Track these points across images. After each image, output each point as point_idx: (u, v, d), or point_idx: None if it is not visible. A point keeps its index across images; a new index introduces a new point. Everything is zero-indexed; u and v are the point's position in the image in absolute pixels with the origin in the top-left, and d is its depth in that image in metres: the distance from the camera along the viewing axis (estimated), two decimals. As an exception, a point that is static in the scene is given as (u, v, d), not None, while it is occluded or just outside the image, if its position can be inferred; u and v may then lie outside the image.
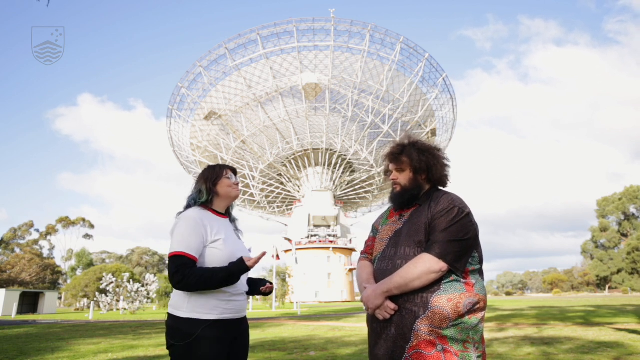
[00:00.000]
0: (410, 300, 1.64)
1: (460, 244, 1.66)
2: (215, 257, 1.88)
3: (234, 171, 2.16)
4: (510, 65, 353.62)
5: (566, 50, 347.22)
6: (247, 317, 2.11)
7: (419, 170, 1.87)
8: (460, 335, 1.59)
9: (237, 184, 2.09)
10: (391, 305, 1.66)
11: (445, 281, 1.65)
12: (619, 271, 70.91)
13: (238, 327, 1.97)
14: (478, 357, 1.62)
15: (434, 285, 1.64)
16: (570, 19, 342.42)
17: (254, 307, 36.73)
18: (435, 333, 1.58)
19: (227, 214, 2.13)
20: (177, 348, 1.81)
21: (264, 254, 1.79)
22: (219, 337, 1.83)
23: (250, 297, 2.09)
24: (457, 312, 1.60)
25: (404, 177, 1.87)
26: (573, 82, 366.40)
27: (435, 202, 1.77)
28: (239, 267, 1.83)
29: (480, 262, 1.77)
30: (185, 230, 1.85)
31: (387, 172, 2.00)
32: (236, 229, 2.15)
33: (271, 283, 2.12)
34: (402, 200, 1.86)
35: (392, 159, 1.90)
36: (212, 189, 2.02)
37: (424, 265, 1.62)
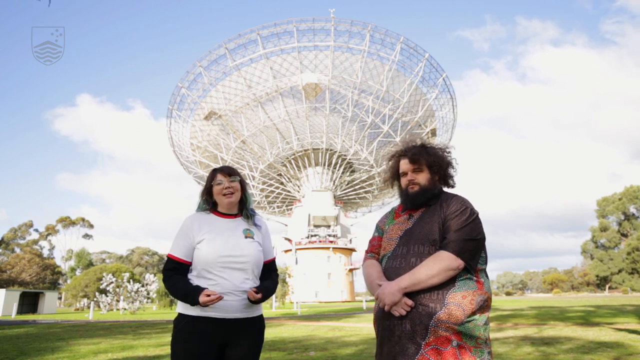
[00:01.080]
0: (427, 297, 1.68)
1: (474, 243, 1.73)
2: (196, 257, 2.00)
3: (230, 172, 2.11)
4: (508, 66, 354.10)
5: (564, 51, 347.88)
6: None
7: (437, 171, 1.94)
8: (473, 331, 1.64)
9: (228, 188, 2.07)
10: (408, 301, 1.68)
11: (460, 278, 1.71)
12: (619, 271, 70.85)
13: (233, 328, 1.93)
14: (488, 352, 1.66)
15: (449, 282, 1.69)
16: (567, 19, 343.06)
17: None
18: (451, 329, 1.62)
19: (241, 212, 2.15)
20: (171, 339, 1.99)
21: (219, 298, 1.84)
22: (200, 333, 1.89)
23: None
24: (470, 309, 1.64)
25: (422, 177, 1.92)
26: (572, 82, 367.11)
27: (446, 203, 1.84)
28: (191, 297, 1.88)
29: (486, 262, 1.84)
30: (176, 235, 2.06)
31: (394, 174, 2.03)
32: (253, 225, 2.13)
33: (258, 292, 1.95)
34: (422, 200, 1.90)
35: (413, 160, 1.93)
36: (208, 199, 2.14)
37: (443, 263, 1.67)
